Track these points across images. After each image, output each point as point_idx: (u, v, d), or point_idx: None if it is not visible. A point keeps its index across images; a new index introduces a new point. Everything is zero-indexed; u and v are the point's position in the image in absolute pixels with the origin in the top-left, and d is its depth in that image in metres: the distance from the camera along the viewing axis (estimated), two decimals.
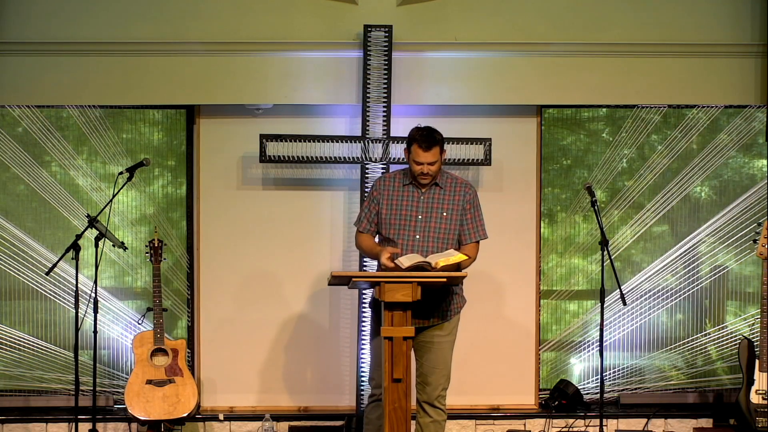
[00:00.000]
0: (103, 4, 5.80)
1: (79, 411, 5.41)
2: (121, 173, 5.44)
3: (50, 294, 5.98)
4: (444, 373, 4.75)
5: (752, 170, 6.19)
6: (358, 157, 5.77)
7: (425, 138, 4.67)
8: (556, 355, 6.23)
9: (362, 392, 5.76)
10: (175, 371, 5.49)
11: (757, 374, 5.63)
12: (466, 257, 4.62)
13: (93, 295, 5.35)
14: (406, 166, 5.86)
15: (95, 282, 5.36)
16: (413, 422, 4.70)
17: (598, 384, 5.39)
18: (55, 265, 5.36)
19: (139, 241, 6.03)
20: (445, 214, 4.74)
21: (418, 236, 4.72)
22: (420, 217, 4.74)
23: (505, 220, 6.01)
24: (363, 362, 5.68)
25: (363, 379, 5.72)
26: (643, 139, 6.15)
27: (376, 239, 4.89)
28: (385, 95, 5.75)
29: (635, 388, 6.18)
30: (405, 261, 4.47)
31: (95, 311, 5.38)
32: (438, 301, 4.70)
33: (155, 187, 6.11)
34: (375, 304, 4.75)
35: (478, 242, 4.83)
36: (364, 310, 5.68)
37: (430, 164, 4.69)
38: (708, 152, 6.11)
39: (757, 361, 5.64)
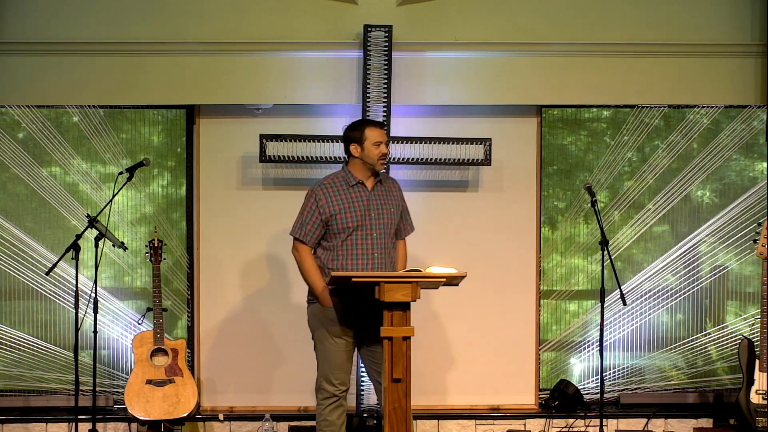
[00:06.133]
0: (103, 4, 5.80)
1: (79, 411, 5.41)
2: (121, 173, 5.44)
3: (50, 294, 5.98)
4: None
5: (753, 170, 6.19)
6: None
7: (376, 119, 4.86)
8: (556, 355, 6.23)
9: (362, 392, 5.76)
10: (175, 371, 5.49)
11: (757, 374, 5.62)
12: (457, 271, 4.53)
13: (93, 295, 5.35)
14: (409, 167, 5.90)
15: (95, 282, 5.36)
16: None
17: (598, 384, 5.39)
18: (55, 266, 5.36)
19: (139, 241, 6.03)
20: (393, 209, 4.83)
21: (375, 234, 4.75)
22: (373, 214, 4.76)
23: (505, 220, 6.01)
24: (363, 362, 5.67)
25: (363, 379, 5.72)
26: (644, 140, 6.14)
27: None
28: (385, 95, 5.74)
29: (635, 388, 6.17)
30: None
31: (95, 311, 5.37)
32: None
33: (155, 187, 6.11)
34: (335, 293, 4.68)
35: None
36: None
37: (387, 145, 4.82)
38: (708, 152, 6.11)
39: (757, 361, 5.64)
